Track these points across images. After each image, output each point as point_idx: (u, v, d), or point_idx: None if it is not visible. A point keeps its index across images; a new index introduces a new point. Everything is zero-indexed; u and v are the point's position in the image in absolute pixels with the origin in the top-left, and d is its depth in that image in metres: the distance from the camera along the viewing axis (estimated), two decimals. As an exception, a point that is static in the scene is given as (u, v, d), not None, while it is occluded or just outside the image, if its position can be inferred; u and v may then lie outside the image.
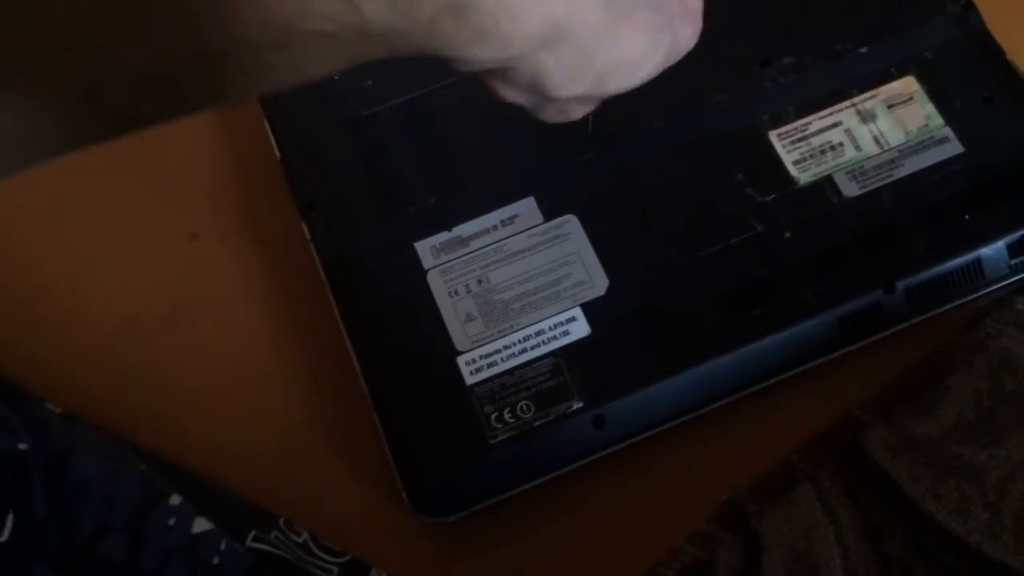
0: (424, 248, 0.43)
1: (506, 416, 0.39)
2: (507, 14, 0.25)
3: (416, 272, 0.42)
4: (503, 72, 0.29)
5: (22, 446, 0.32)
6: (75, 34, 0.22)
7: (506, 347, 0.40)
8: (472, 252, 0.42)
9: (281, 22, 0.23)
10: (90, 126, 0.24)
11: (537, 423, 0.39)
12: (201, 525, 0.35)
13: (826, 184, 0.42)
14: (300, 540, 0.38)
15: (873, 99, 0.44)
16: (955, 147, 0.42)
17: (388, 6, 0.24)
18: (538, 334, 0.40)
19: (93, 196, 0.49)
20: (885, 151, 0.42)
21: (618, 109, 0.43)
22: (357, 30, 0.24)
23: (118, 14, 0.22)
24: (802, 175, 0.42)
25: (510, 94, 0.31)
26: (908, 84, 0.44)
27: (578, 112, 0.34)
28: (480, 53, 0.27)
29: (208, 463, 0.41)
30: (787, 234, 0.41)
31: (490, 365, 0.40)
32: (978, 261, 0.41)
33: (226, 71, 0.24)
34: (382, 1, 0.24)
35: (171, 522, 0.34)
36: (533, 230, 0.42)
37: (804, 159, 0.43)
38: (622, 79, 0.31)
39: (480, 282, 0.42)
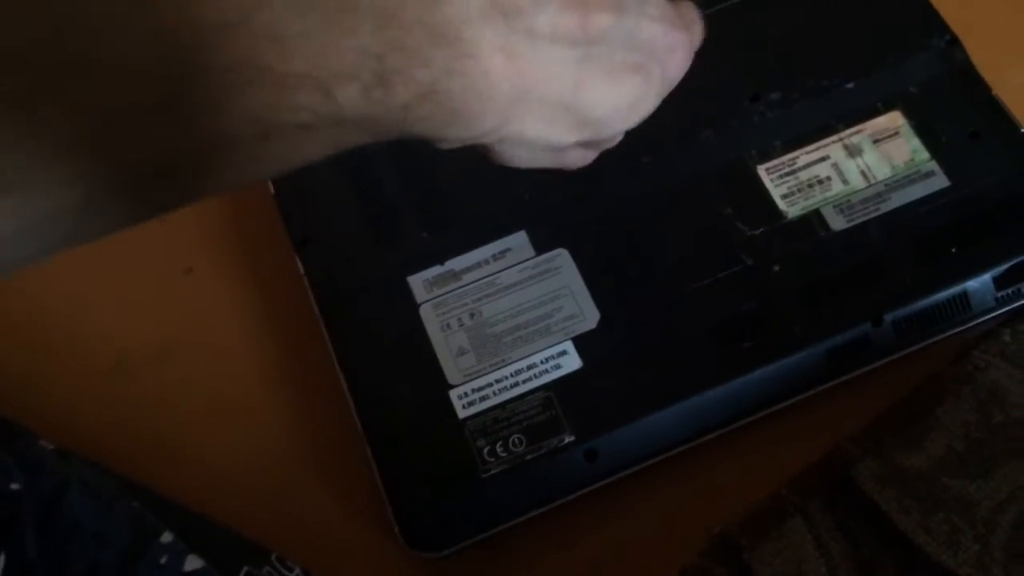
0: (417, 282, 0.43)
1: (498, 450, 0.39)
2: (476, 94, 0.26)
3: (409, 306, 0.42)
4: (485, 147, 0.29)
5: (14, 486, 0.32)
6: (83, 138, 0.23)
7: (498, 381, 0.40)
8: (465, 286, 0.43)
9: (259, 116, 0.24)
10: (88, 223, 0.25)
11: (529, 457, 0.39)
12: (193, 563, 0.35)
13: (814, 218, 0.43)
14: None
15: (860, 134, 0.44)
16: (941, 181, 0.43)
17: (363, 95, 0.25)
18: (530, 368, 0.40)
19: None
20: (872, 185, 0.43)
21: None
22: (334, 119, 0.25)
23: (120, 119, 0.23)
24: (790, 209, 0.43)
25: (501, 159, 0.31)
26: (894, 119, 0.44)
27: (583, 160, 0.34)
28: (457, 133, 0.27)
29: (201, 497, 0.41)
30: (776, 267, 0.42)
31: (482, 399, 0.40)
32: (965, 294, 0.41)
33: (215, 165, 0.25)
34: (357, 91, 0.24)
35: (163, 560, 0.34)
36: (525, 264, 0.43)
37: (792, 193, 0.43)
38: (618, 124, 0.31)
39: (472, 315, 0.42)
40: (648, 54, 0.30)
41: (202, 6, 0.23)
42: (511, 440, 0.39)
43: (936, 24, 0.46)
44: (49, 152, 0.22)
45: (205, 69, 0.23)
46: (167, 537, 0.35)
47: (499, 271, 0.43)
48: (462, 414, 0.40)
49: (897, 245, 0.42)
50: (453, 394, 0.40)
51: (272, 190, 0.46)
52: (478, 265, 0.43)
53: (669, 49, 0.31)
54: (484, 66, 0.26)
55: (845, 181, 0.43)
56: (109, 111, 0.23)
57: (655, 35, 0.30)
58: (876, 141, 0.44)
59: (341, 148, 0.27)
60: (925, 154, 0.43)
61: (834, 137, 0.44)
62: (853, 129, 0.44)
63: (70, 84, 0.22)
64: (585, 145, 0.32)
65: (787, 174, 0.44)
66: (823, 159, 0.44)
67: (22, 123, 0.22)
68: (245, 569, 0.37)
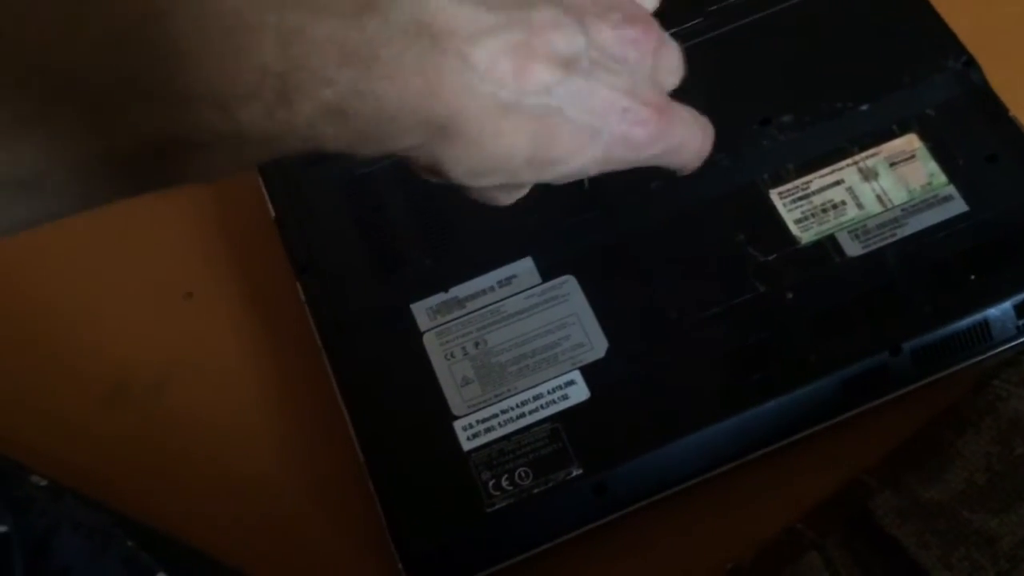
0: (420, 309, 0.42)
1: (504, 483, 0.38)
2: (386, 116, 0.25)
3: (412, 334, 0.41)
4: (404, 158, 0.28)
5: (3, 528, 0.31)
6: None
7: (504, 412, 0.39)
8: (469, 313, 0.42)
9: (154, 134, 0.23)
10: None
11: (536, 490, 0.38)
12: (187, 605, 0.34)
13: (828, 243, 0.41)
14: (292, 613, 0.37)
15: (875, 157, 0.43)
16: (959, 205, 0.42)
17: (264, 115, 0.24)
18: (536, 398, 0.39)
19: (87, 253, 0.48)
20: (888, 210, 0.42)
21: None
22: (234, 137, 0.24)
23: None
24: (804, 234, 0.42)
25: (425, 175, 0.29)
26: (910, 142, 0.43)
27: (505, 199, 0.32)
28: (363, 151, 0.26)
29: (198, 529, 0.40)
30: (789, 295, 0.40)
31: (487, 430, 0.39)
32: (985, 322, 0.40)
33: (103, 176, 0.24)
34: (258, 110, 0.23)
35: (155, 604, 0.33)
36: (531, 291, 0.42)
37: (806, 218, 0.42)
38: (541, 173, 0.29)
39: (477, 344, 0.41)
40: (598, 124, 0.28)
41: (98, 12, 0.22)
42: (517, 473, 0.38)
43: (952, 45, 0.45)
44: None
45: (93, 80, 0.22)
46: (161, 579, 0.34)
47: (504, 298, 0.42)
48: (467, 446, 0.39)
49: (914, 272, 0.40)
50: (457, 425, 0.39)
51: (273, 214, 0.46)
52: (483, 292, 0.42)
53: (631, 123, 0.28)
54: (398, 89, 0.24)
55: (860, 206, 0.42)
56: None
57: (612, 106, 0.28)
58: (892, 164, 0.43)
59: (244, 167, 0.26)
60: (943, 178, 0.42)
61: (849, 160, 0.43)
62: (868, 152, 0.43)
63: None
64: (496, 189, 0.30)
65: (800, 198, 0.43)
66: (837, 183, 0.43)
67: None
68: (242, 608, 0.36)
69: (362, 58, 0.24)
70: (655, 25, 0.30)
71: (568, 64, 0.27)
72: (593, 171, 0.30)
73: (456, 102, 0.25)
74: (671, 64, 0.30)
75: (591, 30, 0.28)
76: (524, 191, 0.32)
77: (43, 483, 0.36)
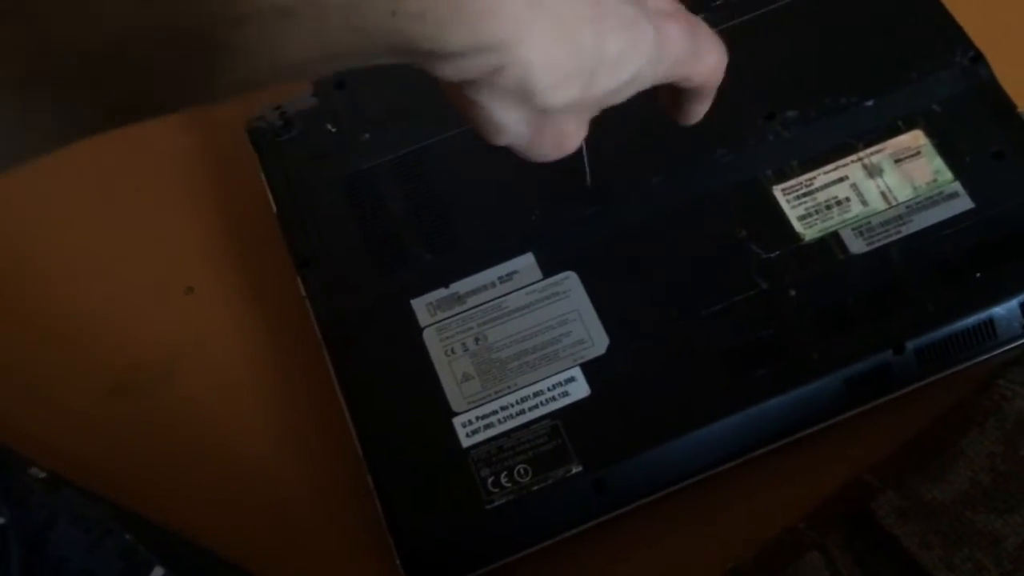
0: (420, 305, 0.42)
1: (503, 480, 0.38)
2: None
3: (412, 329, 0.41)
4: (490, 78, 0.27)
5: (0, 520, 0.31)
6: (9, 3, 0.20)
7: (503, 408, 0.39)
8: (469, 309, 0.41)
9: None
10: (51, 112, 0.22)
11: (535, 487, 0.38)
12: (184, 598, 0.34)
13: (832, 240, 0.41)
14: (289, 609, 0.37)
15: (880, 153, 0.43)
16: (965, 203, 0.41)
17: None
18: (536, 395, 0.39)
19: (88, 248, 0.48)
20: (893, 207, 0.42)
21: (618, 163, 0.43)
22: (315, 3, 0.22)
23: None
24: (807, 231, 0.41)
25: (500, 113, 0.28)
26: (916, 138, 0.43)
27: (575, 135, 0.31)
28: (454, 36, 0.24)
29: (197, 524, 0.41)
30: (792, 292, 0.40)
31: (487, 427, 0.39)
32: (991, 321, 0.39)
33: (184, 53, 0.22)
34: None
35: (152, 597, 0.33)
36: (532, 287, 0.41)
37: (809, 214, 0.42)
38: (609, 78, 0.29)
39: (477, 340, 0.41)
40: (642, 12, 0.29)
41: None
42: (516, 470, 0.38)
43: (959, 40, 0.45)
44: None
45: None
46: (159, 572, 0.34)
47: (505, 294, 0.41)
48: (466, 443, 0.39)
49: (919, 269, 0.40)
50: (457, 421, 0.39)
51: (275, 209, 0.45)
52: (483, 288, 0.42)
53: (662, 13, 0.29)
54: None
55: (864, 202, 0.42)
56: None
57: None
58: (897, 161, 0.43)
59: (331, 53, 0.24)
60: (948, 174, 0.42)
61: (853, 157, 0.43)
62: (873, 148, 0.43)
63: None
64: (573, 113, 0.30)
65: (804, 195, 0.42)
66: (842, 179, 0.42)
67: None
68: (239, 602, 0.36)
69: None
70: None
71: None
72: (648, 75, 0.30)
73: None
74: None
75: None
76: (586, 126, 0.31)
77: (42, 475, 0.36)
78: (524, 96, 0.27)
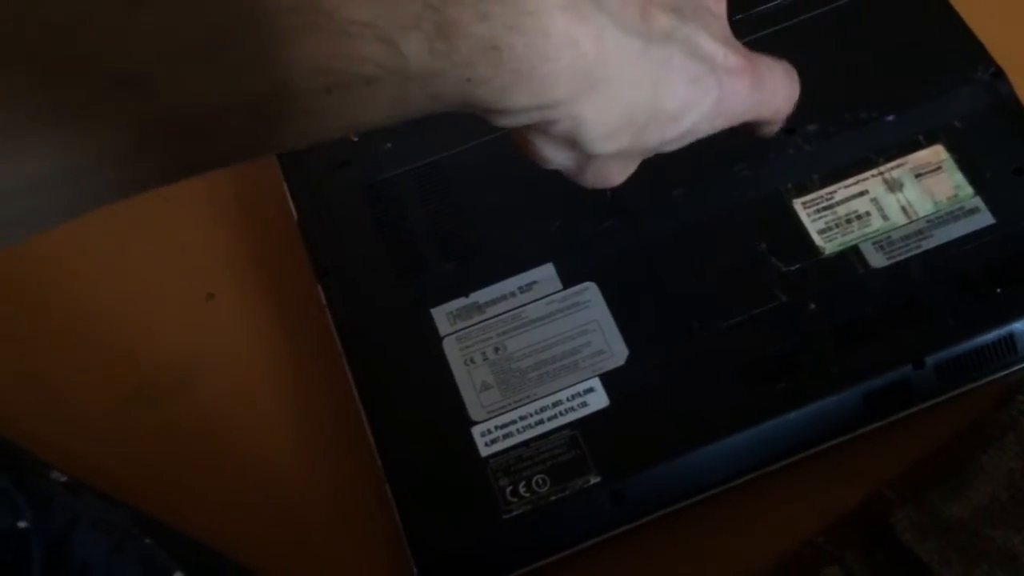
0: (440, 314, 0.42)
1: (521, 490, 0.38)
2: (539, 55, 0.25)
3: (432, 339, 0.41)
4: (543, 127, 0.28)
5: (22, 524, 0.31)
6: (132, 77, 0.22)
7: (522, 418, 0.39)
8: (489, 319, 0.41)
9: (324, 66, 0.24)
10: (138, 173, 0.24)
11: (554, 498, 0.38)
12: (203, 604, 0.34)
13: (852, 254, 0.41)
14: (307, 616, 0.37)
15: (900, 168, 0.43)
16: (986, 218, 0.41)
17: (427, 48, 0.24)
18: (555, 405, 0.39)
19: (110, 254, 0.49)
20: (913, 221, 0.42)
21: (639, 176, 0.43)
22: (399, 73, 0.24)
23: (172, 57, 0.22)
24: (827, 245, 0.41)
25: (550, 153, 0.30)
26: (937, 153, 0.43)
27: (618, 175, 0.32)
28: (517, 98, 0.26)
29: (216, 530, 0.41)
30: (812, 306, 0.40)
31: (506, 436, 0.39)
32: (1011, 336, 0.39)
33: (274, 117, 0.24)
34: (421, 43, 0.24)
35: (172, 602, 0.33)
36: (552, 297, 0.42)
37: (829, 228, 0.42)
38: (662, 132, 0.30)
39: (497, 350, 0.41)
40: (708, 70, 0.29)
41: None
42: (535, 480, 0.38)
43: (980, 55, 0.45)
44: (105, 86, 0.22)
45: (266, 10, 0.22)
46: (178, 577, 0.34)
47: (525, 304, 0.42)
48: (484, 452, 0.39)
49: (939, 284, 0.40)
50: (475, 431, 0.39)
51: (296, 217, 0.46)
52: (503, 298, 0.42)
53: (729, 72, 0.30)
54: (545, 25, 0.25)
55: (885, 217, 0.42)
56: (153, 52, 0.22)
57: (715, 52, 0.29)
58: (918, 176, 0.43)
59: (405, 114, 0.26)
60: (969, 190, 0.42)
61: (874, 171, 0.43)
62: (894, 163, 0.43)
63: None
64: (620, 158, 0.31)
65: (824, 209, 0.42)
66: (862, 194, 0.42)
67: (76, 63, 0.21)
68: (258, 609, 0.36)
69: None
70: None
71: (676, 10, 0.28)
72: (704, 129, 0.30)
73: (597, 44, 0.26)
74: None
75: None
76: (634, 166, 0.32)
77: (63, 479, 0.36)
78: (573, 144, 0.29)
